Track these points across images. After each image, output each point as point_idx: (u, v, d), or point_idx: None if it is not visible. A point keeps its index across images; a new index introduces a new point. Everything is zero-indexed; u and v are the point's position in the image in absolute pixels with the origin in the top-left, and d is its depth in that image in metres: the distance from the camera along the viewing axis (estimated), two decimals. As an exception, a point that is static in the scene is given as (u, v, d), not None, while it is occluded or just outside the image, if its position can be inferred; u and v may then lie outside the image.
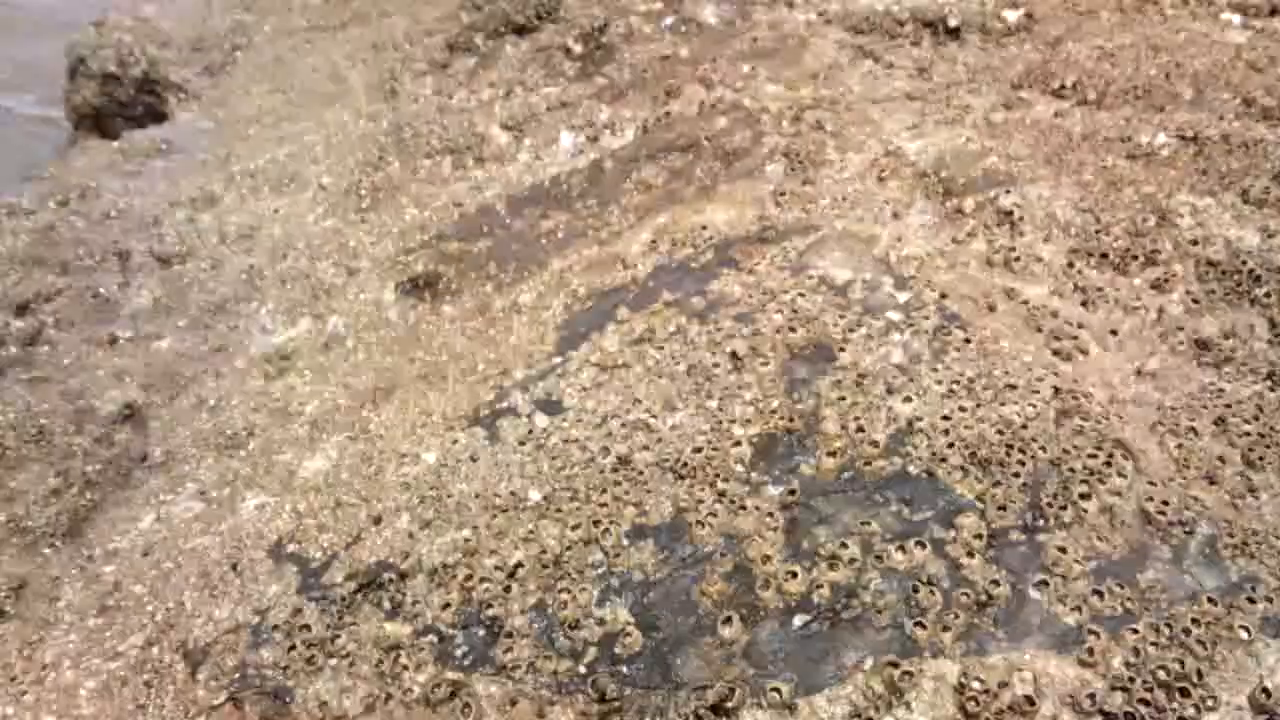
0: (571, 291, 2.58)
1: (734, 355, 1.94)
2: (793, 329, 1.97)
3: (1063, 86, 2.91)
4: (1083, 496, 1.66)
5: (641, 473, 1.79)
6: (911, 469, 1.72)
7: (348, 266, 3.13)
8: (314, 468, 2.36)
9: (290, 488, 2.30)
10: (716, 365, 1.93)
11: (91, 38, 5.26)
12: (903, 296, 2.05)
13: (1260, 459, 1.76)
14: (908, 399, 1.81)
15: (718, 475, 1.76)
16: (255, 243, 3.44)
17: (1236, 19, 3.28)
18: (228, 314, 3.16)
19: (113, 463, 2.74)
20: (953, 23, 3.35)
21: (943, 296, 2.05)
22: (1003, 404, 1.79)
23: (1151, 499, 1.67)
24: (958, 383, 1.83)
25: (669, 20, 3.53)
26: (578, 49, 3.57)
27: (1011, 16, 3.33)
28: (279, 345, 2.96)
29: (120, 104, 5.20)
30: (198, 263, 3.39)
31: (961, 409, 1.78)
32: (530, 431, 1.92)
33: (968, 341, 1.91)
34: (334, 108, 4.15)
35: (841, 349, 1.92)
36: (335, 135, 3.90)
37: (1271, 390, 1.90)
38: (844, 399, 1.83)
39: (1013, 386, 1.82)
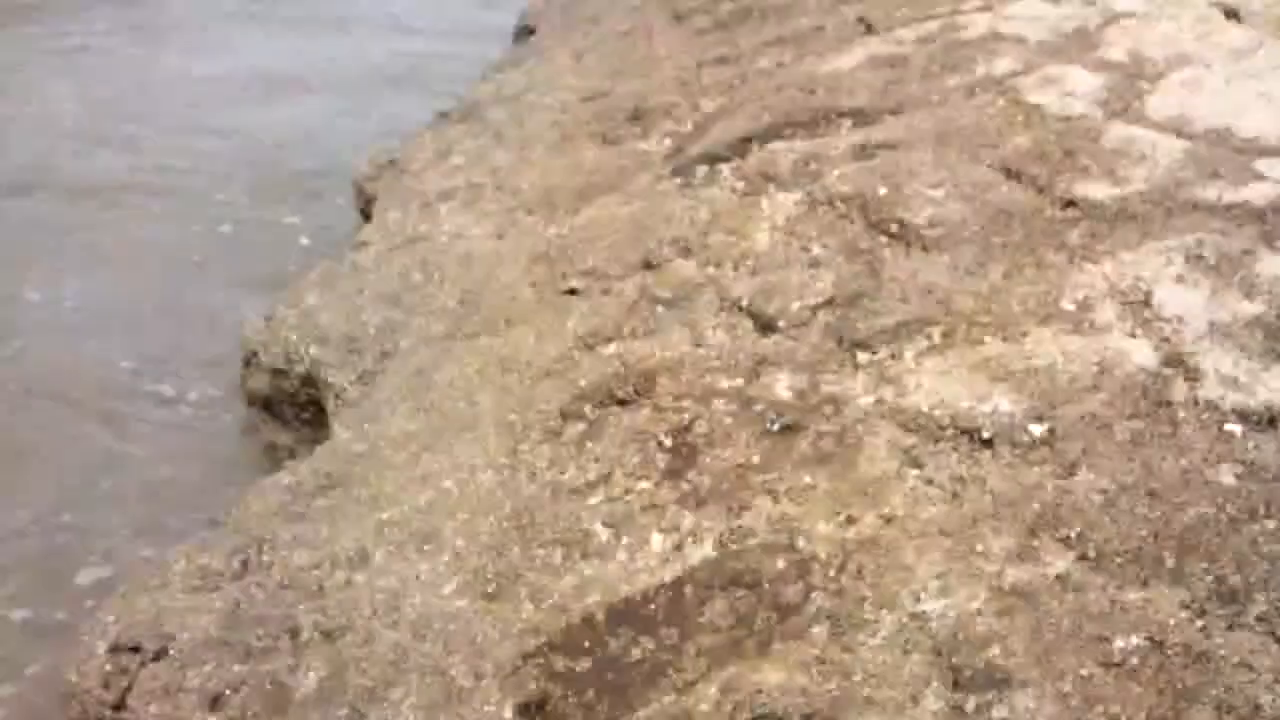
0: (649, 756, 3.20)
1: None
2: None
3: (1068, 537, 3.42)
4: None
5: None
6: None
7: (475, 669, 3.79)
8: None
9: None
10: None
11: (263, 333, 6.11)
12: (896, 847, 2.61)
13: None
14: None
15: None
16: (400, 615, 4.13)
17: (1239, 429, 3.72)
18: (377, 702, 3.84)
19: None
20: (986, 434, 3.87)
21: None
22: None
23: None
24: None
25: (775, 424, 4.11)
26: (668, 442, 4.19)
27: (1037, 430, 3.84)
28: (421, 748, 3.63)
29: (288, 394, 6.04)
30: (354, 636, 4.10)
31: None
32: None
33: None
34: (467, 442, 4.84)
35: None
36: (469, 484, 4.58)
37: None
38: None
39: None
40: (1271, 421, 3.72)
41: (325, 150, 8.99)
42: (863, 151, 5.73)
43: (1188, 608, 3.09)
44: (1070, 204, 5.04)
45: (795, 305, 4.66)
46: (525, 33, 9.83)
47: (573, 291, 5.55)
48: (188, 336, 6.82)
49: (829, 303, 4.68)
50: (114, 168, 8.54)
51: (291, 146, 9.21)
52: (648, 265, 5.50)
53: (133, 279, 7.40)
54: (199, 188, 8.42)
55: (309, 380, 5.86)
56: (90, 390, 6.31)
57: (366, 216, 7.51)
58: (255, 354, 5.98)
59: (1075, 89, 5.83)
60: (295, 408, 6.01)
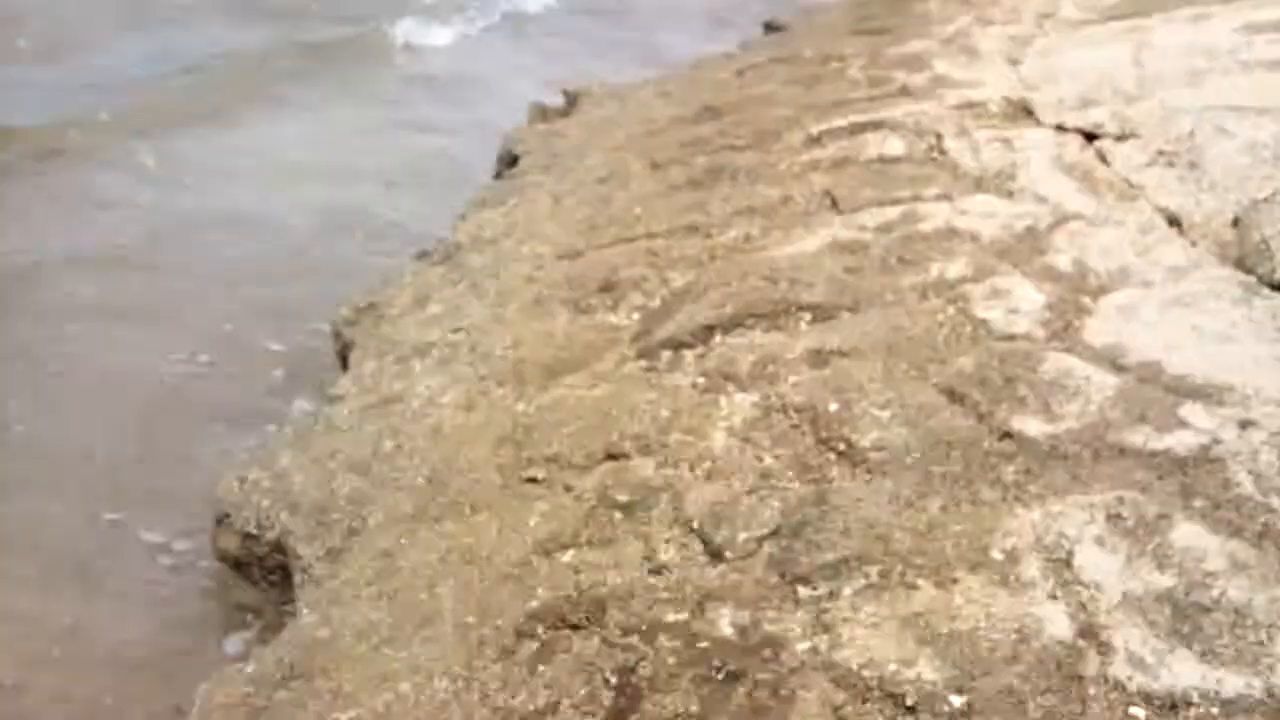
0: None
1: None
2: None
3: (977, 826, 3.70)
4: None
5: None
6: None
7: None
8: None
9: None
10: None
11: (235, 494, 6.35)
12: None
13: None
14: None
15: None
16: (355, 834, 4.38)
17: (1142, 714, 4.02)
18: None
19: None
20: (910, 701, 4.15)
21: None
22: None
23: None
24: None
25: (719, 673, 4.37)
26: (614, 680, 4.45)
27: (956, 702, 4.12)
28: None
29: (258, 557, 6.28)
30: None
31: None
32: None
33: None
34: (426, 641, 5.08)
35: None
36: (425, 690, 4.81)
37: None
38: None
39: None
40: (1172, 707, 4.01)
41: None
42: (818, 358, 6.04)
43: None
44: (1007, 435, 5.35)
45: (742, 536, 4.94)
46: (509, 160, 10.13)
47: (535, 480, 5.82)
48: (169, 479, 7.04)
49: (775, 533, 4.96)
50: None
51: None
52: (610, 457, 5.78)
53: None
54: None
55: (278, 547, 6.10)
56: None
57: (344, 361, 7.77)
58: (227, 515, 6.21)
59: (1020, 305, 6.17)
60: (264, 570, 6.25)
